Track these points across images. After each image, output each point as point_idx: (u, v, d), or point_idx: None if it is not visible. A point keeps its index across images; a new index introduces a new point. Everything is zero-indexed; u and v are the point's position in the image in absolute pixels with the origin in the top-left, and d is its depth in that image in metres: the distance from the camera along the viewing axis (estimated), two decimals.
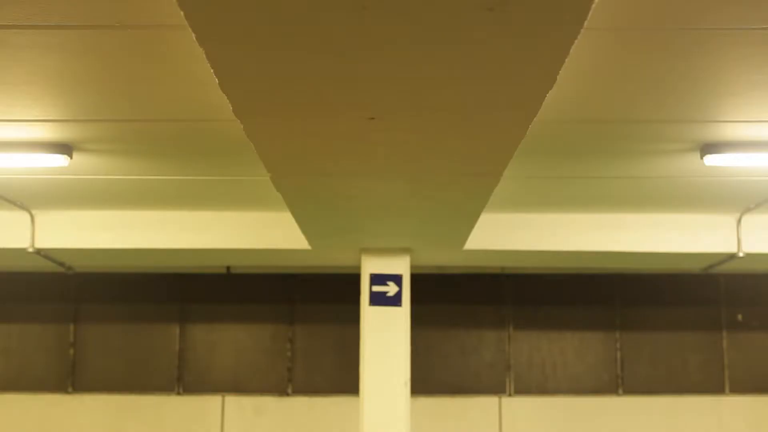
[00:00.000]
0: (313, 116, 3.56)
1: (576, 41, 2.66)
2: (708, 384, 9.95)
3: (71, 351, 9.96)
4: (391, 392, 7.63)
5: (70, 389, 9.90)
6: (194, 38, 2.63)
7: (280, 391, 9.89)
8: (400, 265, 7.76)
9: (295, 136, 3.91)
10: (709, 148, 5.39)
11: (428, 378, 9.74)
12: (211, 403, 9.85)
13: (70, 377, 9.92)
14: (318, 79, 3.06)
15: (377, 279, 7.72)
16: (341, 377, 9.72)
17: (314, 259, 8.49)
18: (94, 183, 6.51)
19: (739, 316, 10.04)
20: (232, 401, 9.85)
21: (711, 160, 5.47)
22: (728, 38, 3.63)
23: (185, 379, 9.93)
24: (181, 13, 2.44)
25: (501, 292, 10.07)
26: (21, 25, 3.44)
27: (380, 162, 4.44)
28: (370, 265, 7.75)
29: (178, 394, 9.89)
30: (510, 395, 9.90)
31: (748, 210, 7.49)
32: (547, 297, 10.08)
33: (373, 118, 3.54)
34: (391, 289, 7.73)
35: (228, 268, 9.90)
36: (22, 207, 7.42)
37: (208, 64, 2.87)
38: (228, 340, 10.05)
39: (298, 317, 9.98)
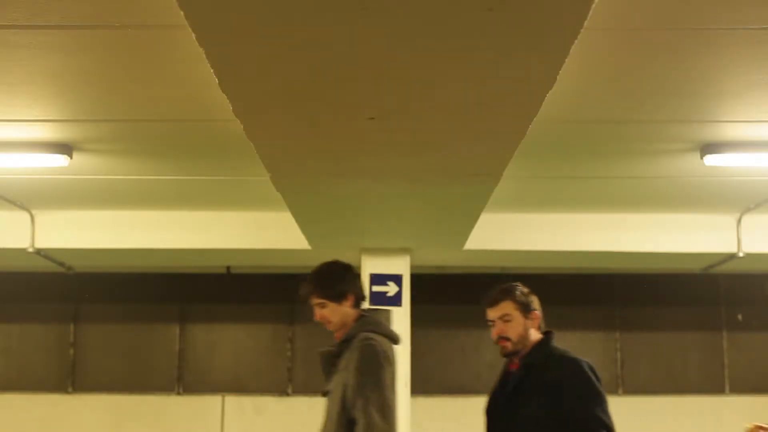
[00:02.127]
0: (313, 116, 3.56)
1: (576, 41, 2.66)
2: (708, 384, 9.94)
3: (71, 351, 9.95)
4: None
5: (70, 389, 9.89)
6: (194, 38, 2.63)
7: (280, 391, 9.88)
8: (400, 265, 7.75)
9: (295, 136, 3.91)
10: (709, 148, 5.38)
11: (428, 378, 9.73)
12: (211, 403, 9.84)
13: (70, 377, 9.91)
14: (318, 79, 3.06)
15: (377, 279, 7.71)
16: None
17: (314, 259, 8.43)
18: (94, 183, 6.50)
19: (739, 316, 10.04)
20: (232, 401, 9.85)
21: (711, 160, 5.47)
22: (728, 38, 3.63)
23: (185, 379, 9.93)
24: (181, 13, 2.44)
25: None
26: (21, 25, 3.44)
27: (380, 162, 4.44)
28: (370, 265, 7.73)
29: (178, 394, 9.89)
30: None
31: (748, 210, 7.48)
32: (547, 297, 10.02)
33: (373, 118, 3.54)
34: (391, 289, 7.72)
35: (228, 268, 9.89)
36: (22, 207, 7.41)
37: (208, 64, 2.87)
38: (228, 340, 10.05)
39: (298, 317, 9.96)
